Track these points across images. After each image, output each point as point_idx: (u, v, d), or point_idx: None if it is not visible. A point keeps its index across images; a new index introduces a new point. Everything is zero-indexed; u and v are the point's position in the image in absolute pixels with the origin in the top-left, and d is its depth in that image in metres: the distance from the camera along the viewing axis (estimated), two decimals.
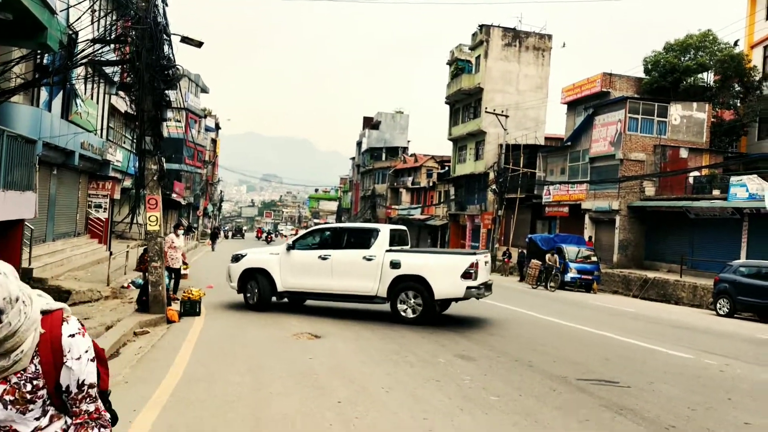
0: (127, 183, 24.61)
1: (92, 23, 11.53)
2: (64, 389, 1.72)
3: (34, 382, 1.68)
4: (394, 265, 10.65)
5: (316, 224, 58.41)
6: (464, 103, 44.35)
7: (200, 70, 50.59)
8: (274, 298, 11.72)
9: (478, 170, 41.21)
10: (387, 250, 10.89)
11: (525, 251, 27.77)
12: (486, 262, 11.09)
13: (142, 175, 10.51)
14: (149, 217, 10.43)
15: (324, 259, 11.12)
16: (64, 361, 1.69)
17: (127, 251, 17.49)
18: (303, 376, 6.56)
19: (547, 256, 23.17)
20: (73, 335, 1.72)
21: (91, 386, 1.75)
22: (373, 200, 68.05)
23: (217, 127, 64.00)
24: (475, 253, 10.76)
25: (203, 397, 5.62)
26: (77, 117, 16.67)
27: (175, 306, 10.64)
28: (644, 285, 22.87)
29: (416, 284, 10.52)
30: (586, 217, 29.29)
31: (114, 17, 13.48)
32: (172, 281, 12.29)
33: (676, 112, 27.81)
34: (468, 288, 10.24)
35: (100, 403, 1.80)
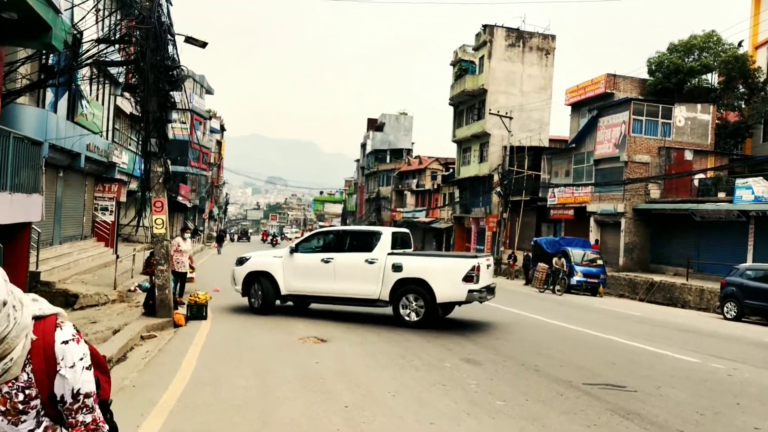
0: (133, 185, 24.66)
1: (96, 23, 11.56)
2: (58, 399, 1.62)
3: (27, 392, 1.59)
4: (396, 268, 10.63)
5: (320, 227, 58.45)
6: (468, 105, 44.30)
7: (204, 71, 50.58)
8: (278, 302, 11.73)
9: (483, 172, 41.12)
10: (389, 253, 10.88)
11: (530, 254, 27.72)
12: (488, 265, 11.04)
13: (148, 178, 10.49)
14: (155, 220, 10.39)
15: (327, 262, 11.13)
16: (58, 369, 1.60)
17: (134, 254, 17.54)
18: (309, 380, 6.57)
19: (555, 259, 23.09)
20: (66, 342, 1.62)
21: (87, 396, 1.65)
22: (377, 203, 67.97)
23: (222, 128, 64.07)
24: (476, 256, 10.74)
25: (210, 402, 5.63)
26: (83, 118, 16.65)
27: (182, 310, 10.66)
28: (650, 288, 22.79)
29: (418, 287, 10.49)
30: (591, 219, 29.19)
31: (118, 17, 13.51)
32: (178, 285, 12.29)
33: (681, 113, 27.71)
34: (470, 291, 10.20)
35: (98, 413, 1.70)
